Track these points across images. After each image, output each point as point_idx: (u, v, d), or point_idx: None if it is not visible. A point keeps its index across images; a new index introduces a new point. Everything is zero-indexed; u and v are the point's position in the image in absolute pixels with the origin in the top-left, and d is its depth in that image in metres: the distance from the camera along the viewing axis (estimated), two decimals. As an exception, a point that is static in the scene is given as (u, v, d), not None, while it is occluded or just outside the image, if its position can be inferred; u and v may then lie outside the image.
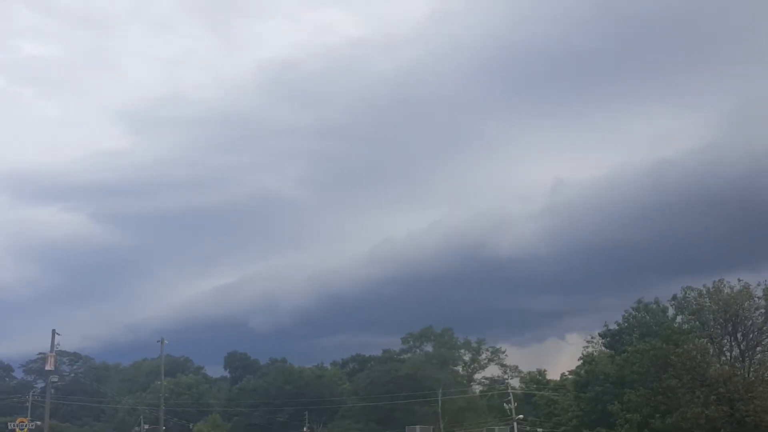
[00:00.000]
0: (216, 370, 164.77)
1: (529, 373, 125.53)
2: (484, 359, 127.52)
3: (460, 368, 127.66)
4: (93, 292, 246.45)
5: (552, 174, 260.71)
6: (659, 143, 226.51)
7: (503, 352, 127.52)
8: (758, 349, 53.27)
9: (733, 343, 53.74)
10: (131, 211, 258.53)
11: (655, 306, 68.71)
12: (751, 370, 53.16)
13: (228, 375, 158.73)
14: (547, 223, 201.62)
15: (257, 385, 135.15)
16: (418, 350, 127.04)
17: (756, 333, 52.91)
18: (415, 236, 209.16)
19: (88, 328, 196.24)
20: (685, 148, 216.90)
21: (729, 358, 54.24)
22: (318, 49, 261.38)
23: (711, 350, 54.65)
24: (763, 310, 52.47)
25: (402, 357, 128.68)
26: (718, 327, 54.06)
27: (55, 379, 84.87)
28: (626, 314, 73.09)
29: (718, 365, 53.81)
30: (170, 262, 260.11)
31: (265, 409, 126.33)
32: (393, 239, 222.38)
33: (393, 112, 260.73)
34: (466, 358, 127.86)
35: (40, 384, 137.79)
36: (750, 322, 52.89)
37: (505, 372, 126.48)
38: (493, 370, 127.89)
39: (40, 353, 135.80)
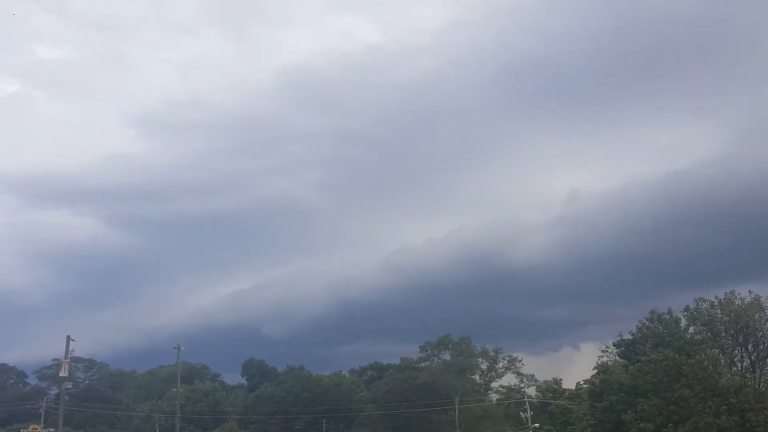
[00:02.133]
0: (233, 378, 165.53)
1: (545, 382, 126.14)
2: (501, 368, 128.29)
3: (477, 377, 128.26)
4: (108, 297, 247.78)
5: (568, 184, 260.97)
6: (673, 154, 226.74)
7: (520, 361, 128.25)
8: (768, 360, 54.02)
9: (744, 354, 54.47)
10: (146, 215, 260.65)
11: (668, 317, 69.35)
12: (762, 380, 53.84)
13: (245, 382, 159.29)
14: (562, 233, 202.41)
15: (274, 392, 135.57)
16: (435, 359, 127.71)
17: (766, 344, 53.56)
18: (432, 244, 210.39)
19: (103, 334, 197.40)
20: (696, 160, 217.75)
21: (740, 368, 54.94)
22: (337, 55, 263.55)
23: (722, 361, 55.39)
24: (773, 322, 53.24)
25: (420, 365, 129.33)
26: (730, 338, 54.82)
27: (69, 386, 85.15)
28: (640, 324, 73.87)
29: (729, 376, 54.52)
30: (186, 267, 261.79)
31: (283, 417, 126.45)
32: (410, 247, 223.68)
33: (411, 119, 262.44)
34: (484, 366, 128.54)
35: (54, 391, 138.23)
36: (761, 334, 53.65)
37: (521, 381, 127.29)
38: (509, 379, 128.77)
39: (54, 359, 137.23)
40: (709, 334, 55.91)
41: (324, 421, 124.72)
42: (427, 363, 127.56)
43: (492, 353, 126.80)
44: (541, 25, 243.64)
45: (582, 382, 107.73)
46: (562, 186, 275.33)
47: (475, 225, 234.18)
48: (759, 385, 53.17)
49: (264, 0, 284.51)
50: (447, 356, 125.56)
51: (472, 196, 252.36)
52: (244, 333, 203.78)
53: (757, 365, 53.65)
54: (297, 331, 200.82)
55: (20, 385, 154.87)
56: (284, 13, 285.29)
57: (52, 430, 79.44)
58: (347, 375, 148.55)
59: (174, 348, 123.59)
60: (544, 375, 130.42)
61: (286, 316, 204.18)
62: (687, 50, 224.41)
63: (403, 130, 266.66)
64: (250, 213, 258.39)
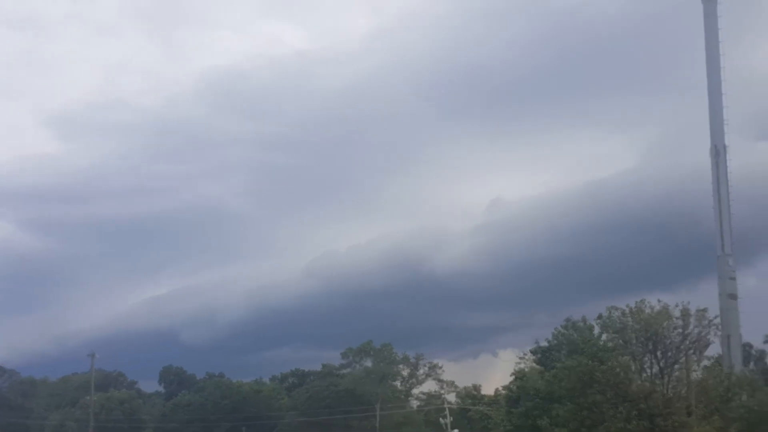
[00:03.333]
0: (150, 385, 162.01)
1: (465, 388, 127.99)
2: (422, 374, 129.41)
3: (398, 383, 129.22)
4: (19, 302, 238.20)
5: (491, 192, 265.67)
6: (593, 165, 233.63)
7: (440, 368, 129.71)
8: (676, 366, 55.82)
9: (653, 361, 56.20)
10: (63, 218, 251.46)
11: (582, 324, 71.53)
12: (670, 386, 55.79)
13: (163, 390, 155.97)
14: (484, 240, 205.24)
15: (193, 400, 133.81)
16: (357, 365, 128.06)
17: (674, 351, 55.55)
18: (355, 250, 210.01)
19: (13, 340, 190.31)
20: (614, 171, 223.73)
21: (649, 375, 56.76)
22: (264, 60, 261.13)
23: (633, 367, 57.04)
24: (680, 330, 55.26)
25: (341, 372, 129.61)
26: (640, 345, 56.51)
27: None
28: (556, 332, 76.07)
29: (639, 382, 56.25)
30: (104, 271, 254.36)
31: (201, 425, 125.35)
32: (333, 253, 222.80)
33: (338, 125, 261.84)
34: (405, 373, 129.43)
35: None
36: (668, 341, 55.54)
37: (441, 387, 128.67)
38: (430, 385, 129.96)
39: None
40: (620, 341, 57.70)
41: (244, 429, 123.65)
42: (348, 369, 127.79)
43: (413, 360, 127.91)
44: (468, 35, 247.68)
45: (500, 388, 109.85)
46: (485, 194, 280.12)
47: (399, 231, 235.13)
48: (667, 391, 55.02)
49: (190, 2, 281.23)
50: (369, 363, 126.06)
51: (397, 203, 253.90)
52: (162, 339, 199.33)
53: (665, 372, 55.54)
54: (217, 337, 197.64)
55: None
56: (211, 16, 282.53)
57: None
58: (268, 382, 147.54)
59: (88, 355, 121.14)
60: (463, 381, 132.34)
61: (206, 322, 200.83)
62: (608, 63, 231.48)
63: (330, 137, 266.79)
64: (172, 217, 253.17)
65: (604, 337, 61.86)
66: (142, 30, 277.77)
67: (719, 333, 60.97)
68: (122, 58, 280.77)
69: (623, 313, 57.70)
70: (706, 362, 59.75)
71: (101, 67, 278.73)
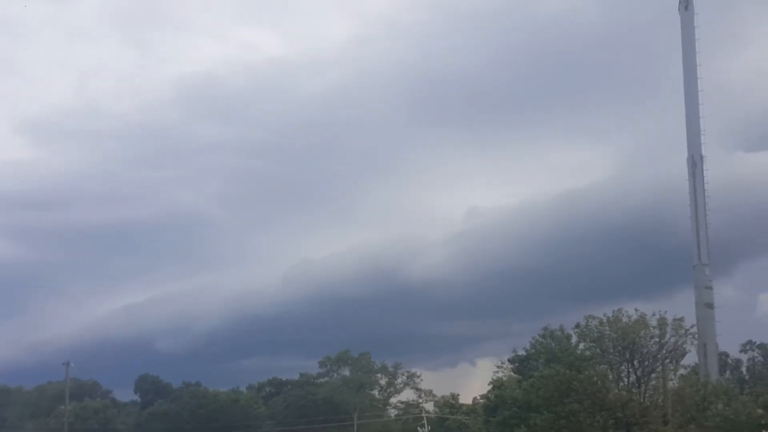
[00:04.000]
0: (126, 394, 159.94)
1: (443, 397, 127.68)
2: (400, 383, 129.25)
3: (376, 392, 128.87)
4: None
5: (468, 201, 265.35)
6: (569, 174, 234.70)
7: (419, 377, 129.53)
8: (653, 375, 56.08)
9: (630, 370, 56.39)
10: (37, 225, 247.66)
11: (560, 333, 71.58)
12: (646, 395, 55.97)
13: (138, 399, 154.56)
14: (462, 249, 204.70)
15: (169, 409, 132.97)
16: (335, 374, 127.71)
17: (651, 360, 55.79)
18: (333, 259, 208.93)
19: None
20: (591, 180, 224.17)
21: (626, 383, 56.93)
22: (240, 66, 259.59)
23: (610, 376, 57.24)
24: (657, 339, 55.49)
25: (319, 381, 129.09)
26: (617, 354, 56.72)
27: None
28: (533, 341, 76.02)
29: (616, 391, 56.39)
30: (78, 279, 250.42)
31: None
32: (311, 261, 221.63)
33: (315, 132, 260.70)
34: (383, 382, 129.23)
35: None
36: (645, 350, 55.78)
37: (419, 396, 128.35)
38: (408, 394, 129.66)
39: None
40: (598, 350, 57.87)
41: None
42: (326, 378, 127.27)
43: (391, 369, 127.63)
44: (447, 43, 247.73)
45: (478, 397, 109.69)
46: (462, 203, 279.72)
47: (377, 239, 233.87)
48: (644, 400, 55.26)
49: (165, 8, 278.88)
50: (347, 371, 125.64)
51: (375, 211, 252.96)
52: (137, 348, 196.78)
53: (642, 380, 55.75)
54: (194, 346, 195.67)
55: None
56: (186, 21, 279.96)
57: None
58: (245, 391, 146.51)
59: (63, 363, 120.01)
60: (441, 390, 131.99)
61: (183, 331, 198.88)
62: (587, 73, 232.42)
63: (308, 143, 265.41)
64: (148, 224, 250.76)
65: (581, 346, 61.94)
66: (118, 35, 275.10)
67: (696, 342, 61.29)
68: (97, 63, 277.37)
69: (600, 322, 57.87)
70: (682, 371, 59.76)
71: (76, 72, 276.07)
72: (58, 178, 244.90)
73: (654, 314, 56.15)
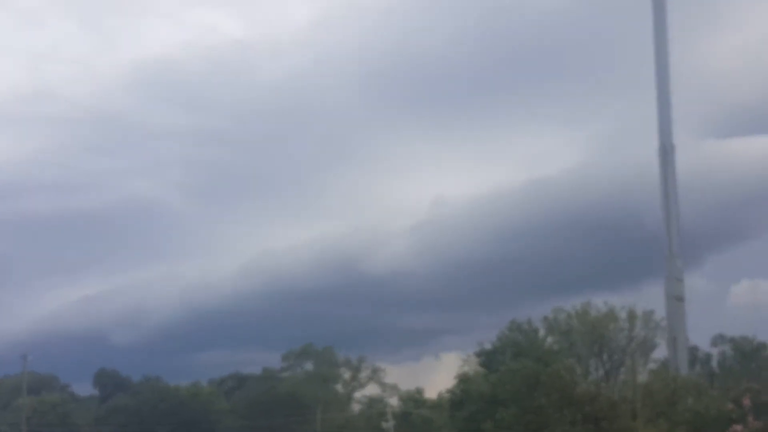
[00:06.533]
0: (84, 388, 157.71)
1: (407, 391, 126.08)
2: (364, 377, 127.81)
3: (339, 386, 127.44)
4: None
5: (433, 190, 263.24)
6: (537, 162, 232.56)
7: (383, 371, 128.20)
8: (621, 369, 55.23)
9: (598, 364, 55.53)
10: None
11: (527, 326, 70.36)
12: (615, 390, 54.89)
13: (97, 393, 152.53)
14: (426, 239, 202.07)
15: (129, 403, 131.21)
16: (298, 368, 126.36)
17: (620, 354, 54.84)
18: (295, 249, 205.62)
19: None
20: (559, 168, 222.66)
21: (595, 378, 55.89)
22: (199, 50, 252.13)
23: (578, 370, 56.15)
24: (626, 332, 54.49)
25: (282, 375, 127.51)
26: (585, 348, 55.75)
27: None
28: (500, 334, 74.72)
29: (584, 385, 55.24)
30: (31, 270, 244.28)
31: (137, 429, 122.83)
32: (271, 251, 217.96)
33: (276, 119, 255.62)
34: (346, 376, 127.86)
35: None
36: (614, 344, 54.79)
37: (384, 390, 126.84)
38: (372, 389, 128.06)
39: None
40: (566, 344, 56.83)
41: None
42: (289, 373, 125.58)
43: (355, 363, 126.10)
44: (412, 28, 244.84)
45: (444, 392, 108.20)
46: (427, 192, 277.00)
47: (340, 230, 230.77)
48: (613, 394, 54.30)
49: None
50: (310, 366, 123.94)
51: (338, 199, 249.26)
52: (94, 341, 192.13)
53: (611, 375, 54.98)
54: (151, 338, 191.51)
55: None
56: (142, 4, 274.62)
57: None
58: (206, 385, 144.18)
59: (21, 356, 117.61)
60: (406, 384, 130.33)
61: (140, 323, 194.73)
62: (557, 59, 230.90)
63: (268, 131, 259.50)
64: (104, 214, 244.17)
65: (549, 339, 60.74)
66: (71, 18, 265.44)
67: (665, 335, 60.18)
68: (50, 47, 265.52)
69: (569, 315, 56.81)
70: (652, 365, 59.07)
71: (28, 56, 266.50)
72: (11, 166, 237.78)
73: (623, 307, 55.06)
